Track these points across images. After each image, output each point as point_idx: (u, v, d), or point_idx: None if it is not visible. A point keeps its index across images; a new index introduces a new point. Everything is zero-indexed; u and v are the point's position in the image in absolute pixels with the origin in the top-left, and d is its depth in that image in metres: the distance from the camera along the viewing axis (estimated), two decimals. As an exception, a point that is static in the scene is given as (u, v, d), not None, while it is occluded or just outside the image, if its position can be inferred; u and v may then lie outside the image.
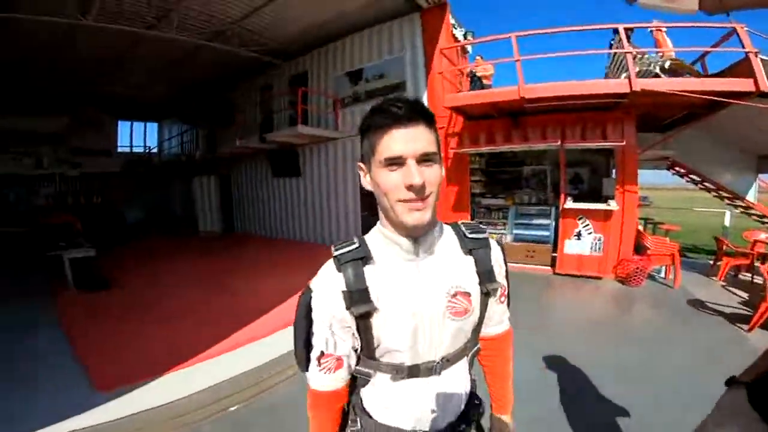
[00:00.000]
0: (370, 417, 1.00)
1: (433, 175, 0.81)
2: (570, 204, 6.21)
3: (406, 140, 0.78)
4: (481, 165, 7.88)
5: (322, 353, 0.92)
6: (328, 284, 0.89)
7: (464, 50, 8.54)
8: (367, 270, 0.88)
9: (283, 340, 3.74)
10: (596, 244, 6.15)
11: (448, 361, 0.96)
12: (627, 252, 6.00)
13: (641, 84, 4.83)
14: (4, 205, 12.91)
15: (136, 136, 17.70)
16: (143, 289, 6.23)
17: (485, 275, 0.94)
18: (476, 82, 6.96)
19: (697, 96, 4.68)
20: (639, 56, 5.20)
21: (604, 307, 5.16)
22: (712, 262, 6.51)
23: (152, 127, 18.20)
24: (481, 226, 1.01)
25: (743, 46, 4.66)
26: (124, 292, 6.09)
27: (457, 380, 1.00)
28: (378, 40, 8.25)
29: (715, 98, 4.79)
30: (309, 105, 9.04)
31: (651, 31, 5.67)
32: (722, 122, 6.69)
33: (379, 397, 0.98)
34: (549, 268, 6.63)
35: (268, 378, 3.20)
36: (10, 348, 3.84)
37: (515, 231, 7.23)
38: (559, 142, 6.14)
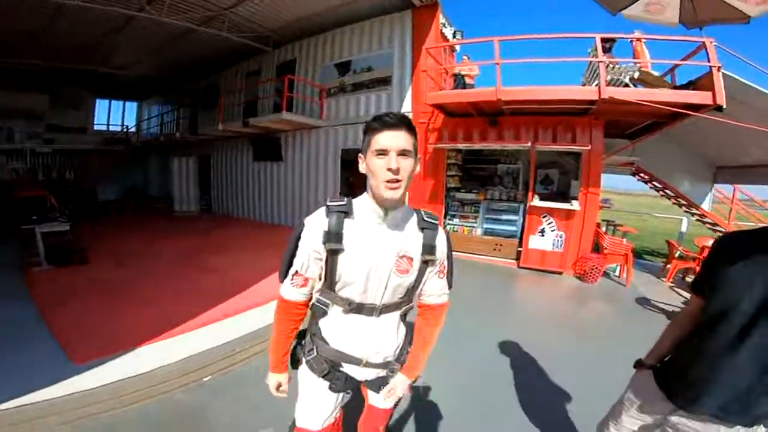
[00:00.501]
0: (326, 343, 1.36)
1: (407, 165, 1.15)
2: (536, 202, 6.58)
3: (391, 139, 1.13)
4: (458, 161, 8.16)
5: (297, 272, 1.29)
6: (315, 223, 1.24)
7: (453, 49, 8.78)
8: (347, 221, 1.22)
9: (255, 318, 3.94)
10: (558, 241, 6.54)
11: (386, 307, 1.31)
12: (586, 250, 6.42)
13: (609, 92, 5.17)
14: None
15: (114, 115, 17.31)
16: (115, 264, 6.21)
17: (427, 248, 1.28)
18: (460, 80, 7.22)
19: (659, 106, 5.04)
20: (611, 65, 5.53)
21: (560, 300, 5.55)
22: (663, 264, 7.00)
23: (131, 107, 17.81)
24: (434, 215, 1.35)
25: (708, 60, 4.92)
26: (95, 267, 6.07)
27: (391, 326, 1.36)
28: (369, 33, 8.43)
29: (675, 109, 5.16)
30: (295, 92, 9.12)
31: (631, 41, 5.99)
32: (685, 132, 7.17)
33: (333, 326, 1.34)
34: (514, 261, 7.00)
35: (240, 351, 3.33)
36: None
37: (485, 225, 7.58)
38: (529, 144, 6.48)
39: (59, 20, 8.39)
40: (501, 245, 7.26)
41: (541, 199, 6.68)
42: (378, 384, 1.44)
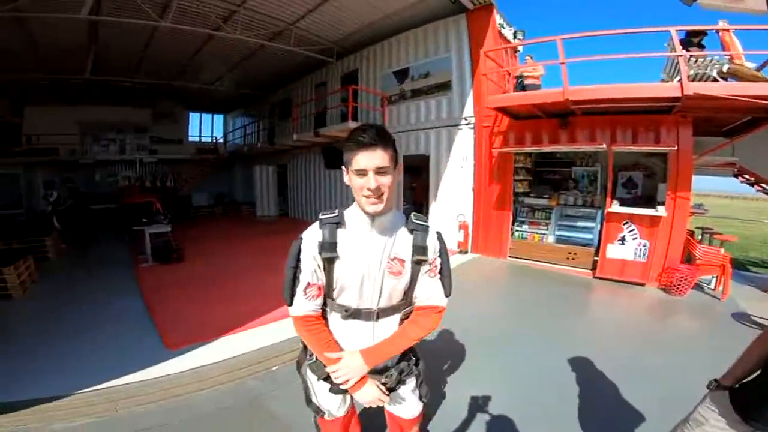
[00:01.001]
0: None
1: (386, 180, 1.21)
2: (615, 208, 6.09)
3: (367, 159, 1.18)
4: (527, 164, 7.83)
5: (308, 284, 1.31)
6: (311, 236, 1.31)
7: (515, 49, 8.48)
8: (339, 231, 1.30)
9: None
10: (641, 250, 5.99)
11: (384, 311, 1.35)
12: (674, 260, 5.80)
13: (693, 88, 4.65)
14: (92, 186, 14.91)
15: (204, 127, 19.39)
16: (205, 263, 7.10)
17: (418, 249, 1.32)
18: (521, 82, 6.95)
19: (755, 101, 4.43)
20: (694, 59, 4.96)
21: (638, 312, 5.09)
22: (773, 276, 6.09)
23: (219, 119, 19.82)
24: (424, 217, 1.38)
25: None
26: (190, 264, 7.01)
27: (390, 330, 1.38)
28: (424, 40, 8.47)
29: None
30: (359, 101, 9.47)
31: (717, 32, 5.34)
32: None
33: (332, 331, 1.38)
34: (590, 271, 6.54)
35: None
36: (103, 309, 4.70)
37: (558, 232, 7.16)
38: (604, 145, 6.02)
39: (153, 42, 9.74)
40: (575, 254, 6.82)
41: (623, 204, 6.14)
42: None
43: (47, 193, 9.46)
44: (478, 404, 2.72)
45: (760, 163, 7.12)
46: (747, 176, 7.69)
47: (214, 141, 18.96)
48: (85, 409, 2.60)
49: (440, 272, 1.39)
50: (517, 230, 7.57)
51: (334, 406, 1.54)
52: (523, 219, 7.60)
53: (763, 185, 7.69)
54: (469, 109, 7.76)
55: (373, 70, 9.82)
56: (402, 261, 1.31)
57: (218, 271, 6.54)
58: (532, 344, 3.72)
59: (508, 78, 7.64)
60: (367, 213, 1.26)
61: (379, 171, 1.19)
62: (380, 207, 1.22)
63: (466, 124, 7.85)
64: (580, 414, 2.65)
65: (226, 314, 4.40)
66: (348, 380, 1.30)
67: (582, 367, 3.30)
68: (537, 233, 7.38)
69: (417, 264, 1.33)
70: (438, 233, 1.40)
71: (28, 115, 13.84)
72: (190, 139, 18.66)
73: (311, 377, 1.49)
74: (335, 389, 1.42)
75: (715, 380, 1.46)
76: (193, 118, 18.88)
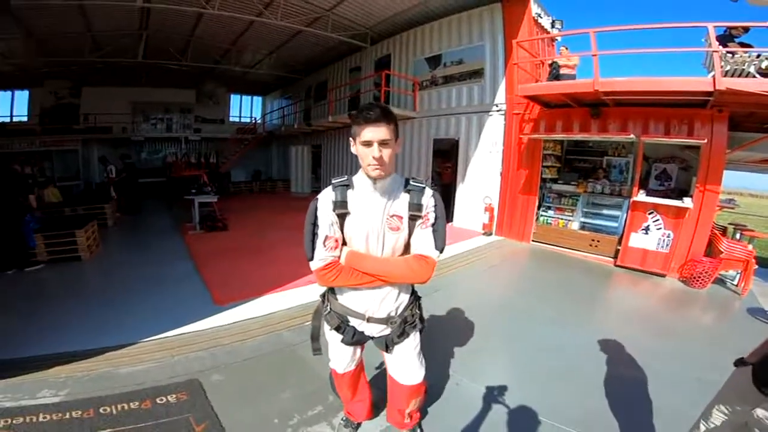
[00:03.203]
0: (336, 299, 1.70)
1: (388, 151, 1.43)
2: (641, 197, 6.15)
3: (373, 133, 1.39)
4: (556, 151, 7.88)
5: (327, 237, 1.52)
6: (326, 197, 1.54)
7: (552, 39, 8.41)
8: (349, 192, 1.53)
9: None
10: (664, 240, 6.06)
11: None
12: (697, 252, 5.84)
13: (726, 83, 4.64)
14: (141, 161, 16.13)
15: (244, 108, 20.25)
16: (248, 233, 7.79)
17: (413, 206, 1.53)
18: (555, 69, 6.98)
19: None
20: (730, 55, 4.90)
21: (655, 302, 5.23)
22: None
23: (257, 101, 20.58)
24: (422, 180, 1.59)
25: None
26: (233, 233, 7.73)
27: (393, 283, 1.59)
28: (458, 27, 8.55)
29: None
30: (391, 86, 9.73)
31: None
32: None
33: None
34: (611, 259, 6.66)
35: None
36: (159, 271, 5.39)
37: (582, 219, 7.26)
38: (634, 135, 6.06)
39: (199, 27, 10.40)
40: (598, 241, 6.93)
41: (654, 195, 6.19)
42: (384, 341, 1.70)
43: (107, 168, 10.42)
44: (491, 394, 2.72)
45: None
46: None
47: (254, 121, 19.72)
48: (146, 356, 3.03)
49: (432, 225, 1.54)
50: (542, 215, 7.72)
51: (344, 361, 1.83)
52: (549, 204, 7.73)
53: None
54: (500, 96, 7.87)
55: (406, 55, 10.00)
56: (400, 217, 1.53)
57: (258, 240, 7.20)
58: (546, 324, 3.97)
59: (542, 67, 7.66)
60: (370, 177, 1.47)
61: (383, 143, 1.40)
62: (382, 173, 1.44)
63: (497, 111, 7.98)
64: (583, 396, 2.77)
65: (265, 277, 5.01)
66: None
67: (591, 348, 3.49)
68: (562, 219, 7.51)
69: (412, 220, 1.53)
70: (433, 192, 1.57)
71: (86, 95, 15.01)
72: (231, 119, 19.53)
73: (327, 330, 1.76)
74: (346, 339, 1.68)
75: (741, 358, 1.57)
76: (234, 99, 19.71)
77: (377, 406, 2.30)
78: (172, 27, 10.33)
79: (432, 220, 1.53)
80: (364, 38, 10.61)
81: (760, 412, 1.32)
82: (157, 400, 2.44)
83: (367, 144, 1.41)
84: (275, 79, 16.46)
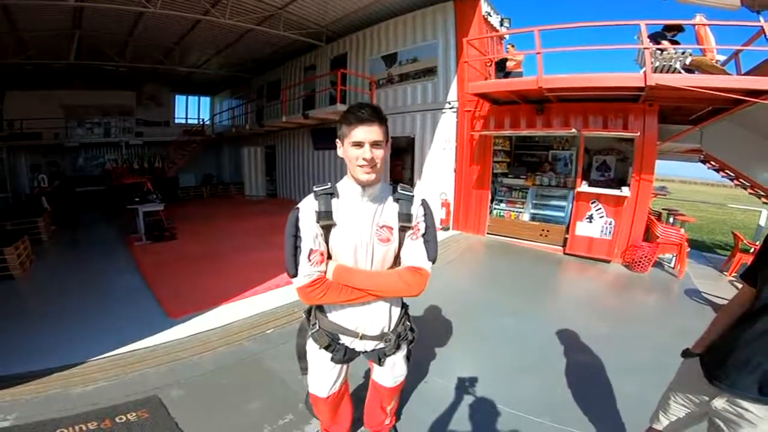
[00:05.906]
0: (325, 316, 1.54)
1: (380, 153, 1.32)
2: (584, 188, 6.52)
3: (365, 133, 1.28)
4: (506, 147, 8.19)
5: (312, 250, 1.36)
6: (307, 206, 1.38)
7: (501, 37, 8.74)
8: (334, 201, 1.39)
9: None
10: (607, 228, 6.45)
11: None
12: (636, 238, 6.28)
13: (656, 79, 5.03)
14: (76, 169, 14.92)
15: (191, 109, 19.35)
16: (198, 240, 7.36)
17: (403, 216, 1.42)
18: (502, 66, 7.27)
19: (712, 92, 4.82)
20: (659, 52, 5.33)
21: (601, 287, 5.55)
22: (728, 257, 6.62)
23: (205, 101, 19.70)
24: (410, 187, 1.48)
25: (769, 44, 4.63)
26: (183, 242, 7.27)
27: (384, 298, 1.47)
28: (412, 25, 8.69)
29: (733, 95, 4.89)
30: (347, 85, 9.66)
31: (694, 27, 5.66)
32: (757, 116, 6.58)
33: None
34: (560, 247, 7.01)
35: (299, 310, 3.94)
36: (104, 285, 4.99)
37: (532, 210, 7.61)
38: (575, 130, 6.44)
39: (139, 26, 9.73)
40: (548, 231, 7.28)
41: (596, 185, 6.59)
42: (377, 355, 1.58)
43: (37, 177, 9.48)
44: (454, 379, 2.87)
45: (725, 150, 7.60)
46: (712, 163, 8.19)
47: (201, 123, 18.86)
48: (98, 375, 2.84)
49: (423, 236, 1.44)
50: (495, 208, 8.00)
51: (329, 383, 1.63)
52: (501, 198, 8.03)
53: (727, 171, 8.20)
54: (453, 94, 8.07)
55: (362, 54, 10.00)
56: (390, 228, 1.41)
57: (211, 247, 6.82)
58: (507, 316, 4.08)
59: (491, 65, 7.94)
60: (359, 182, 1.35)
61: (375, 144, 1.30)
62: (373, 176, 1.32)
63: (450, 108, 8.17)
64: (542, 381, 2.92)
65: (222, 286, 4.73)
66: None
67: (546, 335, 3.67)
68: (514, 211, 7.83)
69: (402, 230, 1.43)
70: (423, 201, 1.48)
71: (9, 99, 13.69)
72: (177, 121, 18.56)
73: (312, 349, 1.60)
74: (337, 358, 1.53)
75: (687, 349, 1.58)
76: (180, 100, 18.82)
77: (357, 422, 2.16)
78: (109, 26, 9.56)
79: (423, 230, 1.44)
80: (319, 37, 10.47)
81: (718, 403, 1.35)
82: (117, 419, 2.30)
83: (358, 145, 1.30)
84: (224, 78, 15.84)
